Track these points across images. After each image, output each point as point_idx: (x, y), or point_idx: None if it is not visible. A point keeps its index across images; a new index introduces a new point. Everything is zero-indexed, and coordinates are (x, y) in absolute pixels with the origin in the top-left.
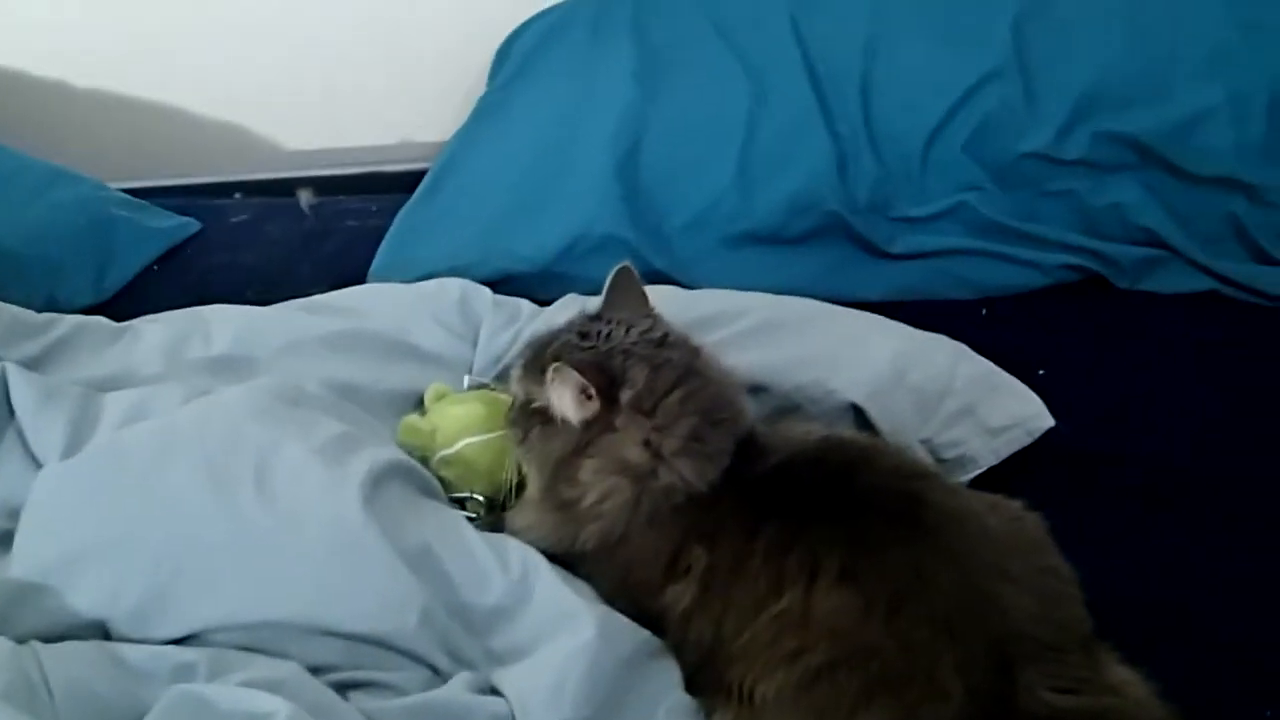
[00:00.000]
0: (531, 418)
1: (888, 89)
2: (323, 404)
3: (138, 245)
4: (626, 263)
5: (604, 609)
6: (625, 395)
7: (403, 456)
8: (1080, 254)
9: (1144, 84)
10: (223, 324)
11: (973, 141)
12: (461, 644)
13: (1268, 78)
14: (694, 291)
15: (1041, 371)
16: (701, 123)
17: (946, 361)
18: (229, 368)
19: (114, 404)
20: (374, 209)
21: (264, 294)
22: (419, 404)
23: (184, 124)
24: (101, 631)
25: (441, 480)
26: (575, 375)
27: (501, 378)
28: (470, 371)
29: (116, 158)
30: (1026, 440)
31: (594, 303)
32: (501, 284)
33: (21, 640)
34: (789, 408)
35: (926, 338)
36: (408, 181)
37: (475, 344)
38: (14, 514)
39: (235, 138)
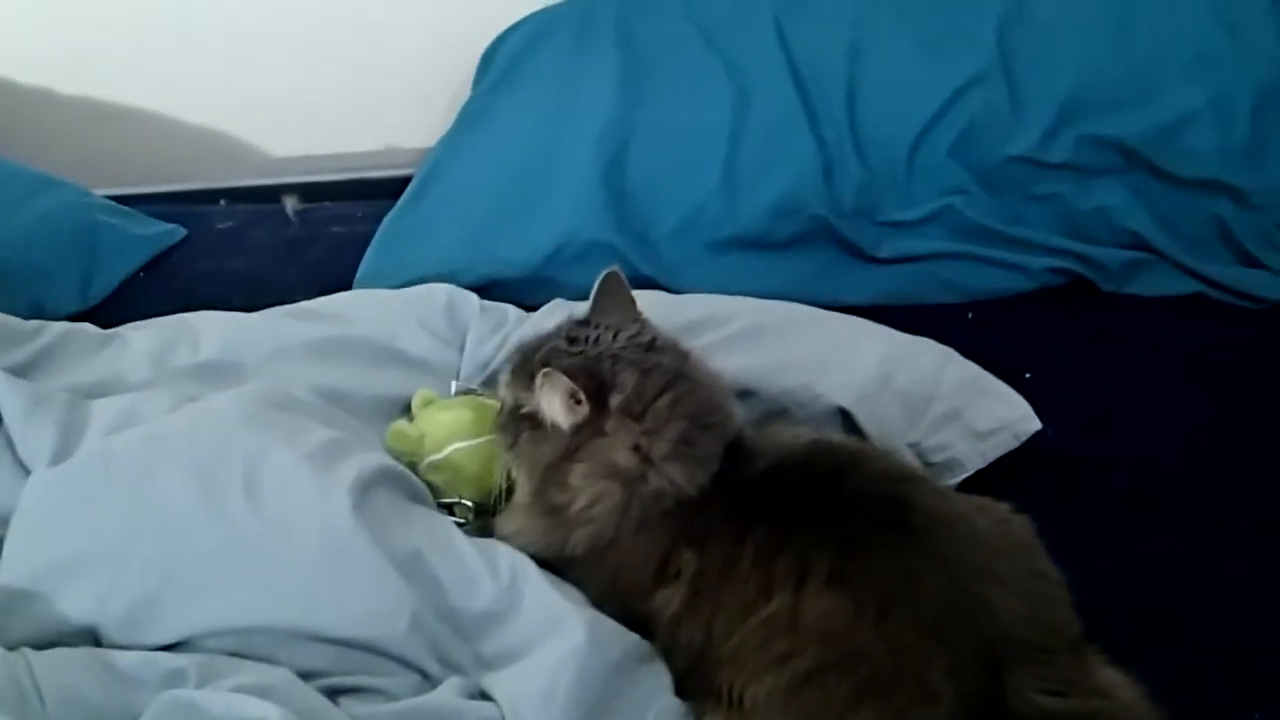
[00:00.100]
0: (520, 423)
1: (873, 93)
2: (311, 410)
3: (123, 252)
4: (614, 267)
5: (593, 613)
6: (614, 400)
7: (391, 462)
8: (1066, 257)
9: (1128, 87)
10: (210, 331)
11: (958, 145)
12: (451, 649)
13: (1251, 80)
14: (681, 296)
15: (1028, 375)
16: (686, 127)
17: (933, 365)
18: (216, 374)
19: (102, 411)
20: (360, 215)
21: (250, 300)
22: (406, 410)
23: (169, 131)
24: (92, 638)
25: (430, 485)
26: (565, 380)
27: (489, 383)
28: (458, 377)
29: (102, 165)
30: (1014, 443)
31: (581, 308)
32: (488, 289)
33: (12, 647)
34: (776, 412)
35: (913, 341)
36: (393, 187)
37: (462, 349)
38: (3, 521)
39: (220, 144)
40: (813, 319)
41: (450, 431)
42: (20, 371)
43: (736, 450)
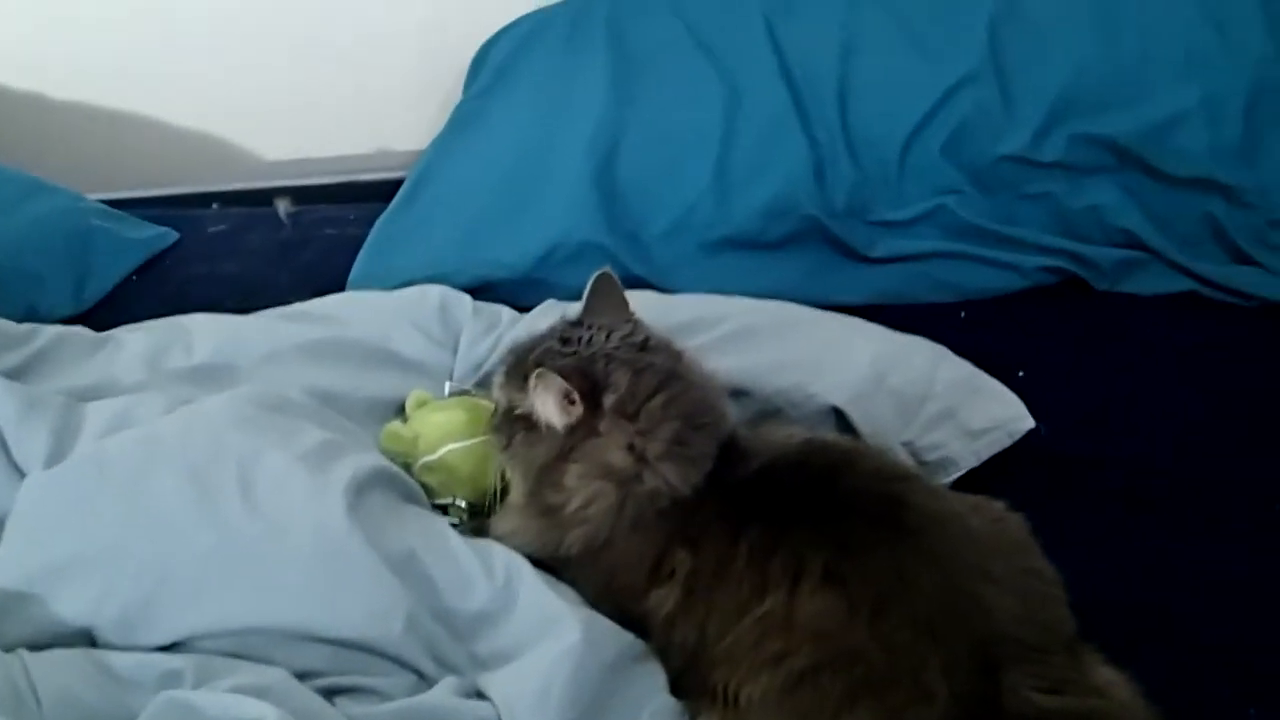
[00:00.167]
0: (515, 424)
1: (864, 93)
2: (305, 411)
3: (116, 256)
4: (607, 268)
5: (588, 613)
6: (608, 400)
7: (386, 463)
8: (1059, 256)
9: (1120, 86)
10: (203, 333)
11: (950, 145)
12: (446, 649)
13: (1243, 79)
14: (674, 297)
15: (1021, 374)
16: (678, 128)
17: (927, 364)
18: (210, 377)
19: (96, 413)
20: (352, 217)
21: (243, 303)
22: (400, 411)
23: (161, 135)
24: (88, 639)
25: (424, 486)
26: (559, 380)
27: (483, 384)
28: (451, 378)
29: (94, 169)
30: (1007, 442)
31: (574, 308)
32: (481, 291)
33: (8, 648)
34: (770, 412)
35: (906, 340)
36: (385, 190)
37: (456, 351)
38: None
39: (212, 148)
40: (806, 319)
41: (444, 432)
42: (14, 375)
43: (730, 450)
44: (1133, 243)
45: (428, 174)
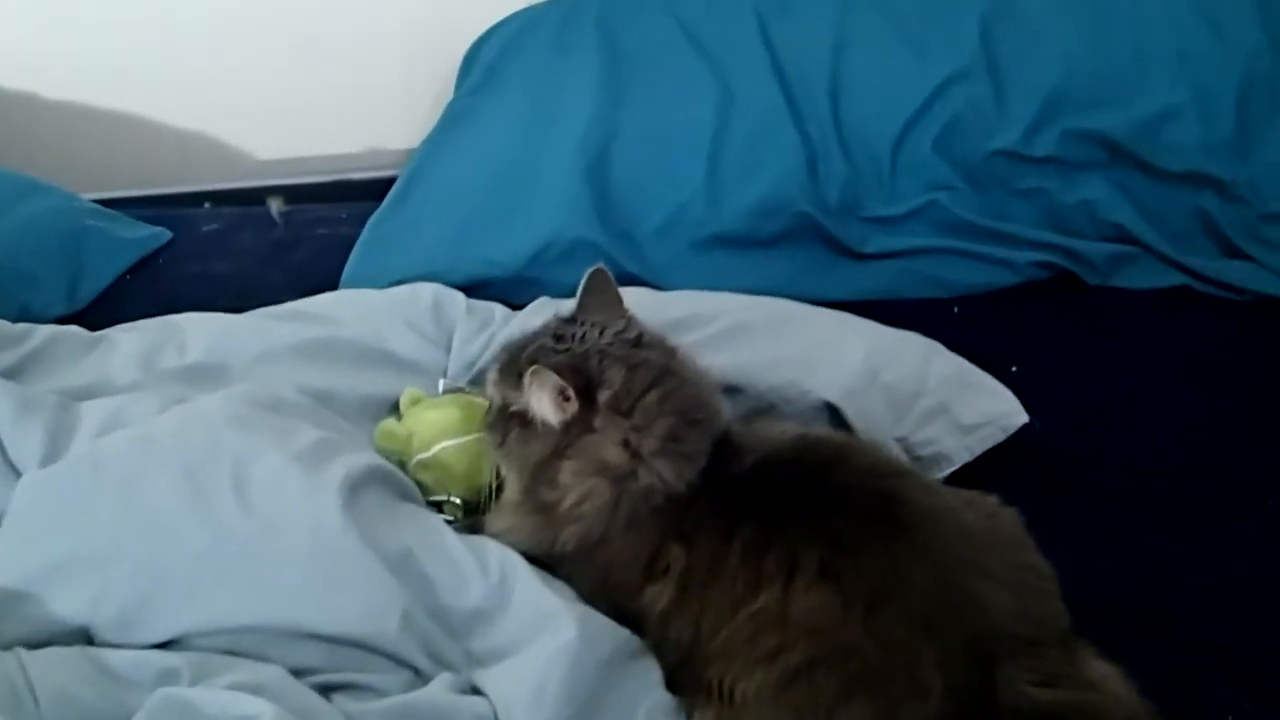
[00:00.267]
0: (509, 421)
1: (857, 90)
2: (300, 410)
3: (110, 255)
4: (601, 265)
5: (584, 609)
6: (603, 396)
7: (380, 461)
8: (1051, 251)
9: (1112, 81)
10: (197, 332)
11: (942, 141)
12: (442, 646)
13: (1235, 73)
14: (667, 294)
15: (1014, 369)
16: (670, 126)
17: (920, 360)
18: (204, 376)
19: (91, 413)
20: (344, 217)
21: (236, 303)
22: (394, 409)
23: (154, 134)
24: (85, 637)
25: (419, 484)
26: (553, 377)
27: (476, 382)
28: (445, 376)
29: (87, 169)
30: (1001, 437)
31: (568, 305)
32: (474, 290)
33: (5, 647)
34: (764, 408)
35: (899, 336)
36: (377, 189)
37: (449, 349)
38: None
39: (205, 147)
40: (799, 315)
41: (438, 430)
42: (9, 374)
43: (724, 446)
44: (1125, 238)
45: (420, 173)
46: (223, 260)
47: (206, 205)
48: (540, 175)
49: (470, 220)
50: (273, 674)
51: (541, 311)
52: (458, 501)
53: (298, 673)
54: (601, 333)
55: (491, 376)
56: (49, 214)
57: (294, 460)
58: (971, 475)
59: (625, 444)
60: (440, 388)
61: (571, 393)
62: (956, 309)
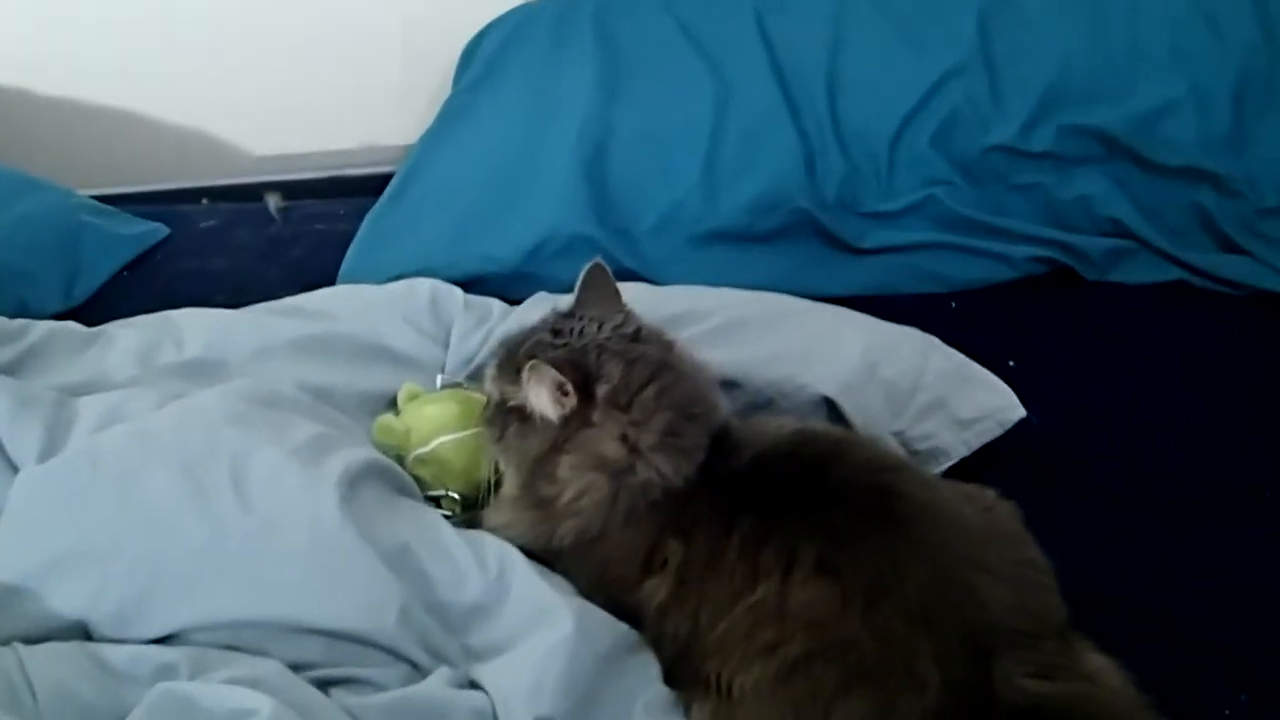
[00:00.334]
0: (508, 416)
1: (854, 86)
2: (298, 405)
3: (107, 251)
4: (599, 259)
5: (582, 604)
6: (601, 390)
7: (378, 456)
8: (1048, 246)
9: (1108, 77)
10: (194, 328)
11: (939, 136)
12: (440, 641)
13: (1231, 68)
14: (665, 289)
15: (1011, 364)
16: (667, 122)
17: (917, 354)
18: (201, 372)
19: (89, 408)
20: (342, 213)
21: (233, 299)
22: (392, 405)
23: (152, 131)
24: (83, 632)
25: (417, 479)
26: (552, 372)
27: (474, 377)
28: (443, 371)
29: (84, 165)
30: (998, 431)
31: (566, 301)
32: (471, 285)
33: (4, 642)
34: (761, 403)
35: (897, 331)
36: (375, 185)
37: (447, 344)
38: None
39: (202, 144)
40: (796, 310)
41: (437, 425)
42: (7, 370)
43: (722, 440)
44: (1122, 232)
45: (417, 169)
46: (220, 256)
47: (204, 201)
48: (538, 171)
49: (468, 216)
50: (271, 669)
51: (539, 307)
52: (455, 496)
53: (296, 667)
54: (599, 328)
55: (490, 372)
56: (46, 210)
57: (292, 455)
58: (969, 469)
59: (623, 439)
60: (438, 383)
61: (570, 387)
62: (954, 304)
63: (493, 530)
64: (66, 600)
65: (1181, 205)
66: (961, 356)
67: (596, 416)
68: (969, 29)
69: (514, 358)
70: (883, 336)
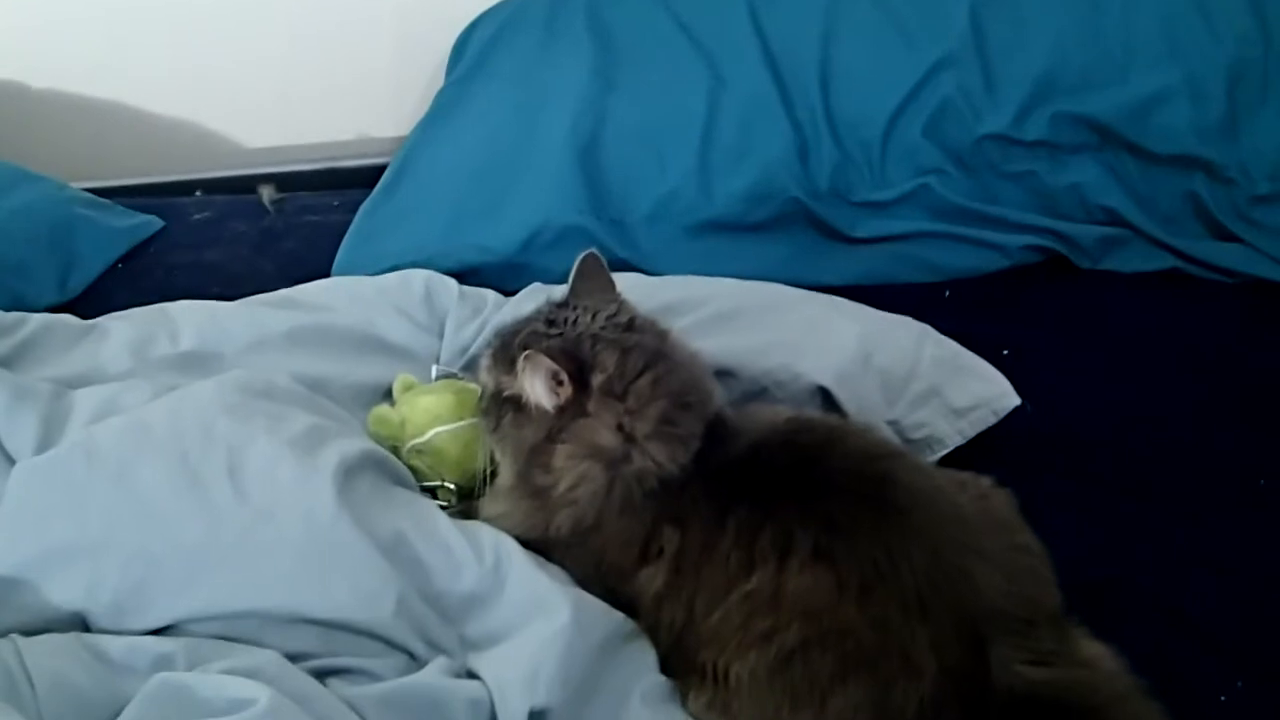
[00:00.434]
0: (503, 406)
1: (847, 75)
2: (292, 397)
3: (101, 244)
4: (593, 249)
5: (578, 593)
6: (596, 380)
7: (374, 447)
8: (1042, 235)
9: (1101, 65)
10: (189, 320)
11: (932, 125)
12: (437, 631)
13: (1224, 56)
14: (659, 279)
15: (1005, 352)
16: (661, 112)
17: (912, 343)
18: (196, 364)
19: (84, 401)
20: (335, 204)
21: (227, 291)
22: (387, 396)
23: (145, 123)
24: (80, 624)
25: (413, 469)
26: (547, 362)
27: (469, 368)
28: (438, 362)
29: (78, 158)
30: (992, 420)
31: (560, 291)
32: (466, 276)
33: (1, 634)
34: (756, 392)
35: (891, 320)
36: (368, 176)
37: (442, 335)
38: None
39: (196, 136)
40: (791, 299)
41: (432, 415)
42: (2, 363)
43: (717, 429)
44: (1115, 220)
45: (411, 160)
46: (214, 248)
47: (198, 194)
48: (531, 162)
49: (461, 207)
50: (268, 659)
51: (533, 297)
52: (451, 487)
53: (293, 658)
54: (594, 317)
55: (485, 362)
56: (40, 203)
57: (288, 446)
58: (963, 457)
59: (619, 427)
60: (433, 374)
61: (565, 377)
62: (948, 293)
63: (489, 520)
64: (64, 592)
65: (1175, 193)
66: (956, 345)
67: (592, 406)
68: (961, 18)
69: (509, 348)
70: (877, 325)
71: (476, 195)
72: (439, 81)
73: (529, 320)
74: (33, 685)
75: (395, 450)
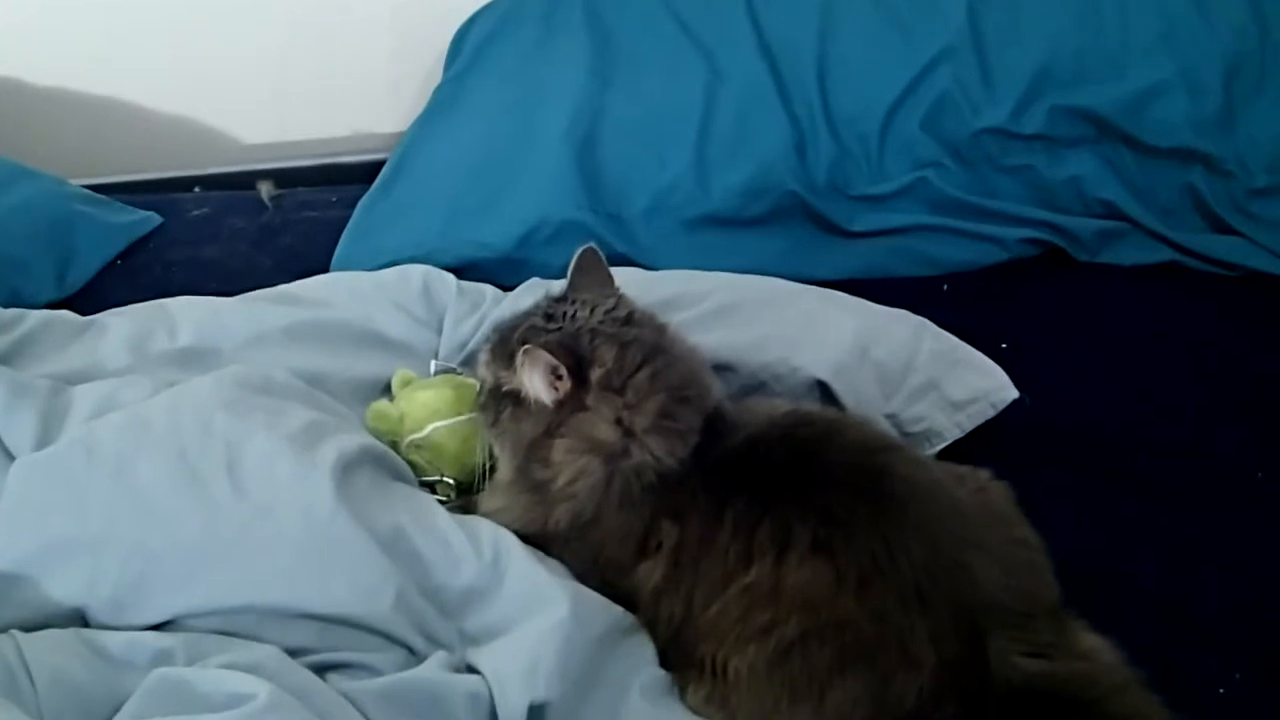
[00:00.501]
0: (502, 401)
1: (844, 69)
2: (291, 392)
3: (99, 241)
4: (591, 244)
5: (577, 587)
6: (595, 374)
7: (373, 442)
8: (1039, 228)
9: (1098, 58)
10: (187, 316)
11: (930, 119)
12: (436, 625)
13: (1220, 49)
14: (657, 273)
15: (1004, 345)
16: (658, 107)
17: (909, 337)
18: (195, 360)
19: (83, 397)
20: (334, 200)
21: (226, 287)
22: (386, 391)
23: (143, 119)
24: (80, 619)
25: (411, 465)
26: (546, 356)
27: (467, 363)
28: (436, 357)
29: (76, 154)
30: (991, 413)
31: (558, 286)
32: (464, 271)
33: (1, 630)
34: (754, 386)
35: (889, 313)
36: (367, 172)
37: (440, 330)
38: None
39: (194, 132)
40: (788, 293)
41: (431, 410)
42: (1, 359)
43: (716, 423)
44: (1113, 213)
45: (409, 156)
46: (213, 244)
47: (196, 190)
48: (529, 157)
49: (459, 202)
50: (268, 654)
51: (532, 292)
52: (450, 482)
53: (293, 652)
54: (592, 311)
55: (483, 357)
56: (38, 200)
57: (286, 441)
58: (962, 451)
59: (618, 421)
60: (432, 369)
61: (564, 371)
62: (946, 287)
63: (487, 515)
64: (63, 587)
65: (1172, 186)
66: (954, 339)
67: (590, 400)
68: (958, 11)
69: (507, 343)
70: (875, 319)
71: (474, 190)
72: (437, 77)
73: (527, 315)
74: (32, 680)
75: (394, 445)
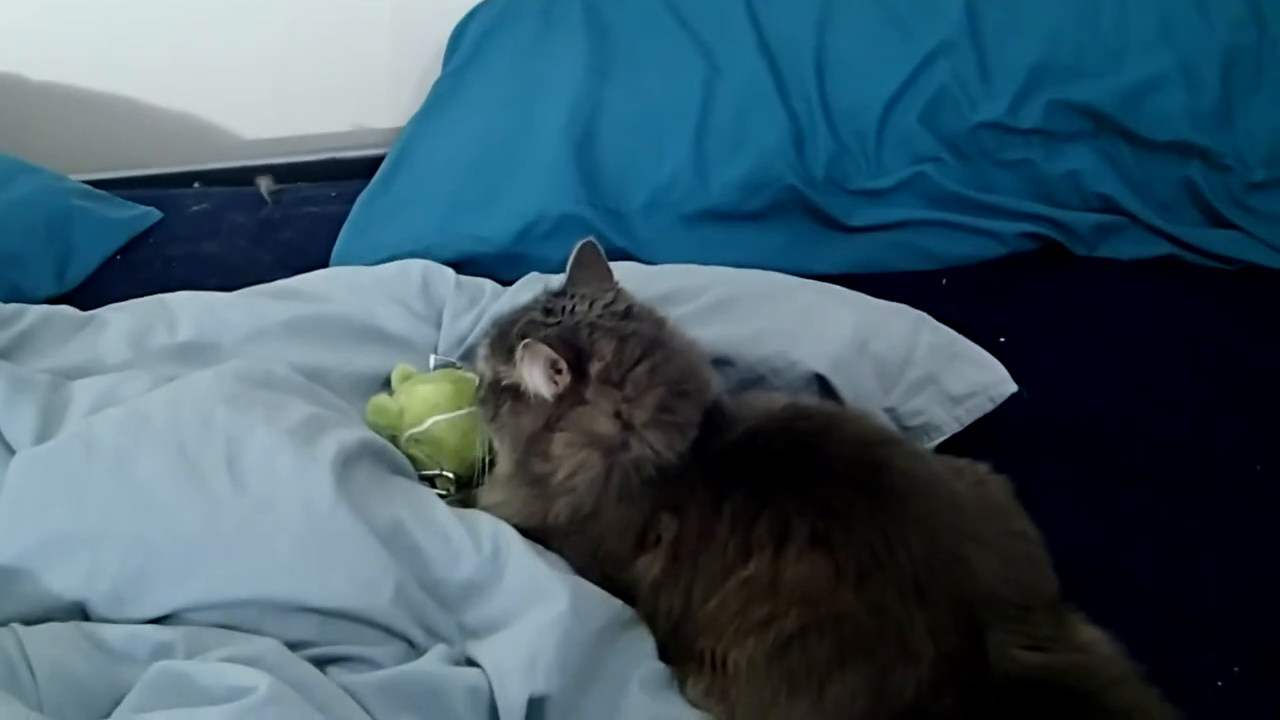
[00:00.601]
0: (501, 395)
1: (842, 64)
2: (291, 386)
3: (99, 236)
4: (590, 238)
5: (576, 581)
6: (594, 368)
7: (373, 436)
8: (1037, 222)
9: (1096, 52)
10: (187, 311)
11: (928, 113)
12: (435, 619)
13: (1218, 42)
14: (656, 267)
15: (1002, 339)
16: (657, 102)
17: (908, 331)
18: (194, 355)
19: (83, 391)
20: (333, 195)
21: (225, 282)
22: (385, 385)
23: (142, 115)
24: (80, 613)
25: (411, 458)
26: (545, 350)
27: (467, 357)
28: (436, 351)
29: (76, 150)
30: (989, 407)
31: (557, 280)
32: (463, 266)
33: (2, 623)
34: (753, 380)
35: (887, 307)
36: (366, 167)
37: (439, 325)
38: None
39: (193, 128)
40: (787, 287)
41: (430, 404)
42: (1, 355)
43: (715, 416)
44: (1111, 208)
45: (408, 151)
46: (212, 240)
47: (196, 185)
48: (528, 152)
49: (458, 197)
50: (268, 647)
51: (531, 287)
52: (450, 476)
53: (293, 646)
54: (591, 305)
55: (482, 351)
56: (38, 195)
57: (286, 436)
58: (960, 445)
59: (617, 415)
60: (431, 363)
61: (563, 365)
62: (944, 281)
63: (487, 509)
64: (63, 581)
65: (1170, 180)
66: (952, 332)
67: (590, 394)
68: (956, 6)
69: (507, 337)
70: (873, 313)
71: (473, 185)
72: (436, 73)
73: (527, 309)
74: (33, 674)
75: (394, 439)
